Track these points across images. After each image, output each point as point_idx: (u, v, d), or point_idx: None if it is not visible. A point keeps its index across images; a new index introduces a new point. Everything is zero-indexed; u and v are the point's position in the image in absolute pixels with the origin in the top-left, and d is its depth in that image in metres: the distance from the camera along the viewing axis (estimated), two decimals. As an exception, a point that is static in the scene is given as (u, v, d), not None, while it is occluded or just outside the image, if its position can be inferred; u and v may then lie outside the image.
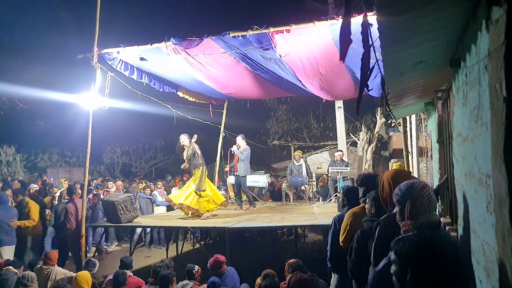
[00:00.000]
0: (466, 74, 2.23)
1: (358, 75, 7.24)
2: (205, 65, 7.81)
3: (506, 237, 1.48)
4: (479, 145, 1.97)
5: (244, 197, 9.99)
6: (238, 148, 9.54)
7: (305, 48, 6.92)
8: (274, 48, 6.68)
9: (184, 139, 8.51)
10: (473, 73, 2.02)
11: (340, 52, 1.64)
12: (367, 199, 3.84)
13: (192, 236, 10.89)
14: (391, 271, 2.20)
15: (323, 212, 8.38)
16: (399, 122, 11.76)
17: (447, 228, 3.73)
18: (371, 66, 2.23)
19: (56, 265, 5.81)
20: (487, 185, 1.82)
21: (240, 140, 9.64)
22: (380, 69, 2.34)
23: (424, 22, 1.95)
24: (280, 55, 7.00)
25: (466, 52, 2.17)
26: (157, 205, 11.04)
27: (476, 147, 2.07)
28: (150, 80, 8.63)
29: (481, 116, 1.88)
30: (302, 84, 8.27)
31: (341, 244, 4.20)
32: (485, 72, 1.73)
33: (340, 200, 4.63)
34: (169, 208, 11.02)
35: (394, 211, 2.42)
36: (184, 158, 8.53)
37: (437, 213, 4.66)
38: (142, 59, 7.46)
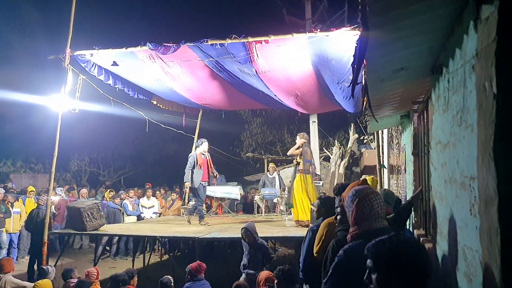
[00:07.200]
0: (448, 80, 2.24)
1: (335, 96, 7.32)
2: (181, 76, 7.67)
3: (494, 237, 1.45)
4: (462, 149, 1.97)
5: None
6: None
7: (282, 70, 6.91)
8: (251, 63, 6.63)
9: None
10: (457, 77, 2.02)
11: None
12: (339, 208, 3.80)
13: (160, 248, 10.56)
14: (368, 281, 2.12)
15: (294, 225, 8.31)
16: (371, 139, 11.95)
17: (421, 239, 3.74)
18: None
19: (9, 273, 5.47)
20: (471, 188, 1.80)
21: None
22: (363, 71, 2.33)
23: (411, 23, 1.94)
24: (256, 72, 6.96)
25: (449, 57, 2.19)
26: (127, 215, 10.65)
27: (458, 151, 2.06)
28: (124, 86, 8.37)
29: (466, 119, 1.87)
30: (278, 98, 8.27)
31: (315, 254, 4.12)
32: (472, 73, 1.73)
33: (315, 210, 4.53)
34: (140, 218, 10.70)
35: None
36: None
37: (409, 226, 4.69)
38: (114, 64, 7.20)
